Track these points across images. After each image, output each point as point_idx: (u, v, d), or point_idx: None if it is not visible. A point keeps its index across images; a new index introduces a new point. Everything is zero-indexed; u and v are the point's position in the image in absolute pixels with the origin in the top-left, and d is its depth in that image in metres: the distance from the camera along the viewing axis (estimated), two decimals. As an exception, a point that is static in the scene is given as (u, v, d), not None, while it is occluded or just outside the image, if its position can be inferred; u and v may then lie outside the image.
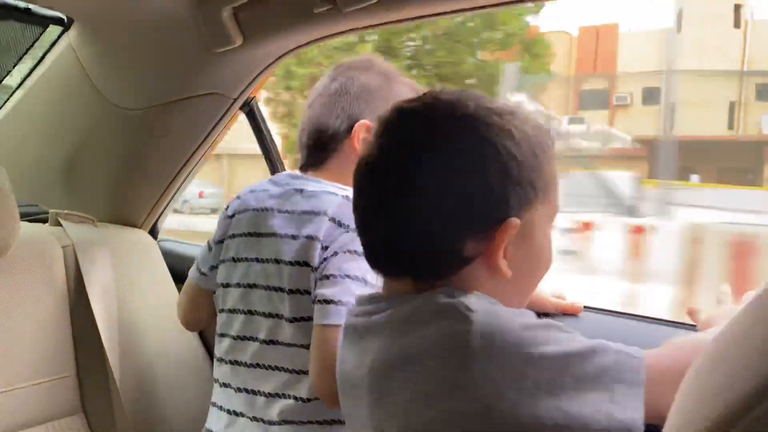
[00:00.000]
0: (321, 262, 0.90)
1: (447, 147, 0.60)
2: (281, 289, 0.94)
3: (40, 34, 1.27)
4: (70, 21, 1.27)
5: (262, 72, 1.20)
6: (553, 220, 0.67)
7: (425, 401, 0.57)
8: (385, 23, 0.98)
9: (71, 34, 1.29)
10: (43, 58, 1.36)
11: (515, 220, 0.60)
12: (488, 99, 0.65)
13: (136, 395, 1.23)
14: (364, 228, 0.67)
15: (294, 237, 0.93)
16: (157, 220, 1.50)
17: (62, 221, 1.33)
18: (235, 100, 1.26)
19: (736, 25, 15.73)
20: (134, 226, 1.46)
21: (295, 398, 0.93)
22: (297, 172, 1.05)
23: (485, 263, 0.61)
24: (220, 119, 1.29)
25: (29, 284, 1.20)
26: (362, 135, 0.99)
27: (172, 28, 1.16)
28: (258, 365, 0.97)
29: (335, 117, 1.00)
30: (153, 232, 1.51)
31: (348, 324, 0.70)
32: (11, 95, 1.43)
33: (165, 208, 1.48)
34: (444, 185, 0.59)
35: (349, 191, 0.91)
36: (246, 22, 1.08)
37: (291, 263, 0.93)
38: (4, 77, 1.33)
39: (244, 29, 1.09)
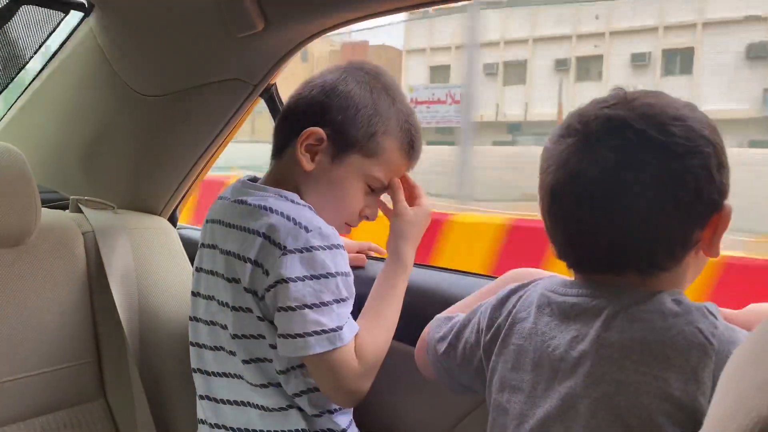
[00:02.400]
0: (267, 289, 0.88)
1: (677, 152, 0.64)
2: (226, 305, 0.94)
3: (62, 19, 1.27)
4: (91, 6, 1.27)
5: (283, 57, 1.18)
6: None
7: (654, 385, 0.62)
8: (412, 6, 0.96)
9: (92, 19, 1.28)
10: (63, 43, 1.36)
11: (730, 206, 0.67)
12: (670, 96, 0.70)
13: (155, 381, 1.23)
14: (585, 237, 0.70)
15: (229, 253, 0.93)
16: (176, 208, 1.50)
17: (82, 207, 1.33)
18: (256, 86, 1.24)
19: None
20: (154, 213, 1.46)
21: (261, 407, 0.94)
22: (255, 175, 1.04)
23: (699, 248, 0.68)
24: (241, 105, 1.28)
25: (50, 270, 1.20)
26: (309, 139, 0.95)
27: (193, 13, 1.15)
28: (223, 374, 0.97)
29: (303, 112, 0.96)
30: (172, 220, 1.51)
31: (552, 301, 0.73)
32: (32, 81, 1.43)
33: (184, 196, 1.48)
34: (680, 187, 0.64)
35: (288, 207, 0.91)
36: (268, 6, 1.06)
37: (227, 279, 0.93)
38: (26, 63, 1.33)
39: (266, 13, 1.07)
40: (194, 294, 1.03)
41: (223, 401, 0.97)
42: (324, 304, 0.87)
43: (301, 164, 0.95)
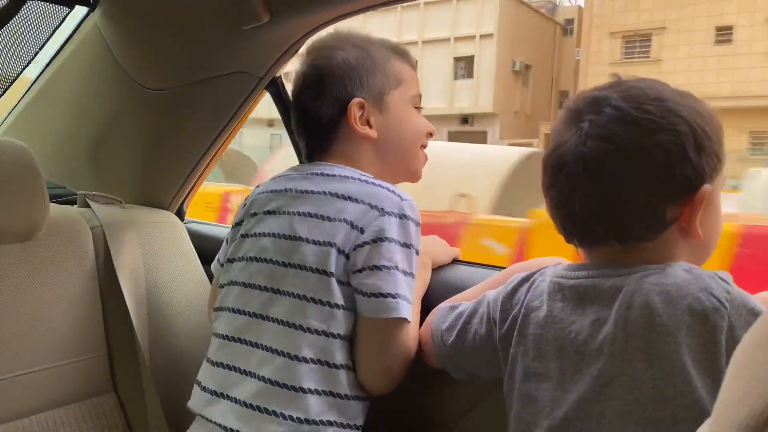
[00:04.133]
0: (361, 245, 0.87)
1: (648, 127, 0.68)
2: (290, 265, 0.90)
3: (66, 14, 1.26)
4: (96, 0, 1.26)
5: (289, 49, 1.18)
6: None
7: (681, 351, 0.64)
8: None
9: (97, 13, 1.28)
10: (69, 39, 1.36)
11: (709, 187, 0.69)
12: (665, 83, 0.73)
13: (166, 375, 1.24)
14: (565, 206, 0.73)
15: (314, 215, 0.91)
16: (183, 202, 1.50)
17: (90, 202, 1.34)
18: (262, 78, 1.24)
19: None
20: (161, 207, 1.46)
21: (271, 382, 0.88)
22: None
23: (680, 226, 0.70)
24: (246, 98, 1.28)
25: (59, 265, 1.21)
26: (357, 113, 0.98)
27: (198, 6, 1.15)
28: (240, 340, 0.93)
29: (326, 104, 0.99)
30: (179, 214, 1.51)
31: (563, 286, 0.75)
32: (38, 77, 1.43)
33: (191, 190, 1.48)
34: (649, 161, 0.67)
35: (372, 180, 0.92)
36: (273, -2, 1.06)
37: (309, 241, 0.90)
38: (32, 59, 1.33)
39: (272, 6, 1.06)
40: (230, 261, 1.00)
41: (235, 369, 0.92)
42: (410, 274, 0.89)
43: (366, 137, 0.99)
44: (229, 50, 1.18)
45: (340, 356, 0.89)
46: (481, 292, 0.89)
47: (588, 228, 0.73)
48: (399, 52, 1.05)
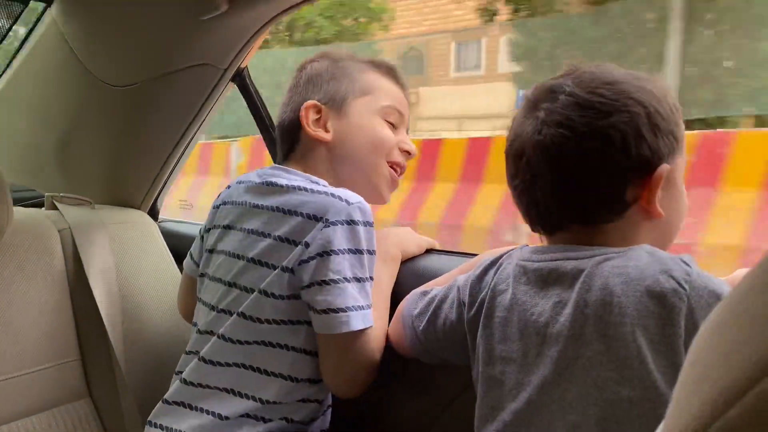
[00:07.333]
0: (306, 261, 0.85)
1: (602, 110, 0.68)
2: (245, 289, 0.91)
3: (22, 10, 1.22)
4: (52, -5, 1.22)
5: (251, 39, 1.15)
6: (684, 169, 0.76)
7: (638, 333, 0.63)
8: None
9: (54, 9, 1.24)
10: (27, 36, 1.32)
11: (666, 166, 0.69)
12: (619, 68, 0.73)
13: (141, 377, 1.21)
14: (528, 194, 0.74)
15: (260, 233, 0.90)
16: (156, 200, 1.47)
17: (58, 204, 1.30)
18: (226, 70, 1.21)
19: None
20: (133, 206, 1.43)
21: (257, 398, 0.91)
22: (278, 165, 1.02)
23: (641, 207, 0.70)
24: (212, 91, 1.24)
25: (27, 270, 1.17)
26: (312, 116, 0.97)
27: (155, -3, 1.11)
28: (211, 362, 0.94)
29: (288, 109, 1.00)
30: (152, 213, 1.48)
31: (527, 269, 0.74)
32: (-2, 77, 1.39)
33: (163, 187, 1.44)
34: (606, 143, 0.68)
35: (324, 188, 0.90)
36: (231, -15, 1.03)
37: (256, 261, 0.90)
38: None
39: (230, -7, 1.03)
40: (201, 275, 1.01)
41: (211, 388, 0.94)
42: (360, 280, 0.87)
43: (319, 139, 0.97)
44: (190, 42, 1.15)
45: (302, 372, 0.90)
46: (452, 278, 0.88)
47: (551, 213, 0.73)
48: (379, 66, 1.03)
